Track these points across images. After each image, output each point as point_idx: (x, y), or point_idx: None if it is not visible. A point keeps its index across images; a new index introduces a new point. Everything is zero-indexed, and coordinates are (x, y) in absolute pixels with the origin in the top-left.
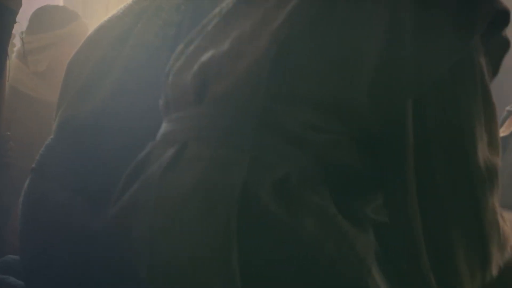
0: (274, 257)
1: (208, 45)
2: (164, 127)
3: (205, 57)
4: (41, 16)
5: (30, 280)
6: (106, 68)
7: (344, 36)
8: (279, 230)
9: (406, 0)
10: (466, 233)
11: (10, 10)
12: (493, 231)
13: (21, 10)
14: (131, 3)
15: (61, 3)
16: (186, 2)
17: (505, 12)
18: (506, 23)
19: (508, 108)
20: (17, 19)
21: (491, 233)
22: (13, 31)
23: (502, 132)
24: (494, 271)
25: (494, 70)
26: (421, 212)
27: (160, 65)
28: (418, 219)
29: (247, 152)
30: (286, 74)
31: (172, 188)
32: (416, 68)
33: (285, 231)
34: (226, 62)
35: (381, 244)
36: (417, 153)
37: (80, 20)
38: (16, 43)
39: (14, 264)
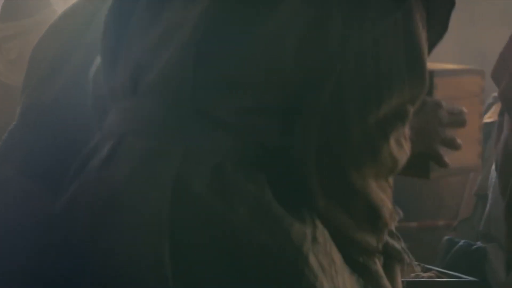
0: (208, 247)
1: (139, 34)
2: (106, 118)
3: (137, 47)
4: (13, 4)
5: None
6: (67, 56)
7: (269, 14)
8: (213, 220)
9: None
10: (380, 169)
11: None
12: (401, 157)
13: None
14: None
15: None
16: None
17: None
18: None
19: (494, 94)
20: None
21: (400, 160)
22: None
23: (488, 118)
24: None
25: (442, 27)
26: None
27: None
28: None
29: (179, 142)
30: (213, 59)
31: (107, 183)
32: (342, 40)
33: (219, 221)
34: (154, 51)
35: None
36: (333, 116)
37: (51, 8)
38: None
39: None
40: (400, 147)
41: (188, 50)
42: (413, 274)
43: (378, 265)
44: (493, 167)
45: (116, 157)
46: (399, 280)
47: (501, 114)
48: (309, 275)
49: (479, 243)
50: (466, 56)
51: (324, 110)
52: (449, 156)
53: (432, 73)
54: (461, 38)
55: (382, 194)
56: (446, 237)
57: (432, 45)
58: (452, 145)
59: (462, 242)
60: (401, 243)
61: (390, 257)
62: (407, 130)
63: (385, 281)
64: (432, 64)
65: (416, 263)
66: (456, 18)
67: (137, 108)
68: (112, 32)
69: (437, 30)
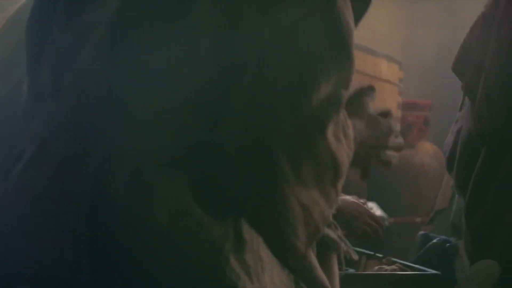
0: (127, 251)
1: (58, 37)
2: (32, 122)
3: (56, 50)
4: None
5: None
6: (19, 53)
7: (181, 14)
8: (132, 223)
9: None
10: (319, 169)
11: None
12: (343, 155)
13: None
14: None
15: None
16: None
17: None
18: None
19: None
20: None
21: (341, 159)
22: None
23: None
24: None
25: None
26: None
27: None
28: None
29: (98, 144)
30: (127, 59)
31: (28, 187)
32: (256, 31)
33: (138, 224)
34: (72, 53)
35: None
36: (256, 106)
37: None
38: None
39: None
40: (339, 142)
41: (102, 51)
42: (376, 267)
43: (311, 257)
44: None
45: (37, 162)
46: (336, 269)
47: (460, 108)
48: (230, 275)
49: (453, 239)
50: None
51: (251, 104)
52: None
53: None
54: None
55: (322, 202)
56: (421, 232)
57: (358, 17)
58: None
59: (437, 238)
60: (338, 231)
61: (326, 247)
62: (349, 128)
63: (319, 272)
64: None
65: (381, 255)
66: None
67: (57, 112)
68: (34, 36)
69: (362, 2)
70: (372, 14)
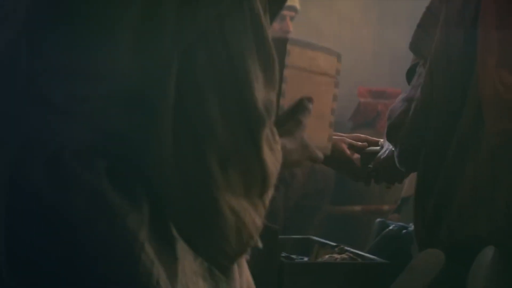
0: (45, 239)
1: None
2: None
3: None
4: None
5: None
6: None
7: (102, 6)
8: (49, 211)
9: None
10: (249, 180)
11: None
12: (273, 168)
13: None
14: None
15: None
16: None
17: None
18: None
19: None
20: None
21: (271, 172)
22: None
23: None
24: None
25: (277, 8)
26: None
27: None
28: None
29: (17, 131)
30: (47, 46)
31: None
32: (178, 23)
33: (55, 211)
34: None
35: None
36: (187, 106)
37: None
38: None
39: None
40: (272, 153)
41: (20, 36)
42: (327, 256)
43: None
44: None
45: None
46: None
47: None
48: (146, 261)
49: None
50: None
51: (182, 106)
52: None
53: (285, 39)
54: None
55: (252, 212)
56: (378, 220)
57: (273, 16)
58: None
59: (393, 225)
60: None
61: None
62: (277, 143)
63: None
64: None
65: (334, 244)
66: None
67: None
68: None
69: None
70: (344, 4)
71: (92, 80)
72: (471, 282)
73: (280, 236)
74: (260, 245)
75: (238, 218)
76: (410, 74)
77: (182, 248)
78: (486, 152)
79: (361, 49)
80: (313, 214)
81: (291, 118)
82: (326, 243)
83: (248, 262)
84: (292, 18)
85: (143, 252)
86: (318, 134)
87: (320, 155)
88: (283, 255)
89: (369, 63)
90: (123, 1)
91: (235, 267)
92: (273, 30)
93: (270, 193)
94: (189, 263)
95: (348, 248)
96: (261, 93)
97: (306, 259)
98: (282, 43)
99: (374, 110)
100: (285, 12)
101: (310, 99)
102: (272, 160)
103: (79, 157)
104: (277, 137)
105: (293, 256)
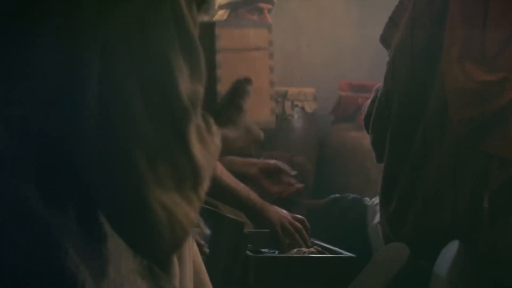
0: None
1: None
2: None
3: None
4: None
5: None
6: None
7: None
8: None
9: None
10: (178, 174)
11: None
12: (204, 161)
13: None
14: None
15: None
16: None
17: None
18: None
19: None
20: None
21: (202, 165)
22: None
23: None
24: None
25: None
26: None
27: None
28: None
29: None
30: None
31: None
32: (97, 18)
33: None
34: None
35: None
36: (111, 103)
37: None
38: None
39: None
40: (204, 146)
41: None
42: (295, 250)
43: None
44: None
45: None
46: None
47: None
48: (70, 267)
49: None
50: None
51: (105, 102)
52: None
53: (213, 23)
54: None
55: (186, 207)
56: (329, 197)
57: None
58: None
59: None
60: None
61: None
62: (214, 136)
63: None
64: None
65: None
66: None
67: None
68: None
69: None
70: None
71: (14, 82)
72: (435, 276)
73: (252, 230)
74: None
75: (170, 213)
76: None
77: (118, 247)
78: (450, 143)
79: (342, 42)
80: (291, 207)
81: (230, 103)
82: None
83: (215, 256)
84: (269, 11)
85: (67, 258)
86: (259, 109)
87: (262, 135)
88: (251, 248)
89: (350, 57)
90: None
91: (175, 262)
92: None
93: (205, 185)
94: (126, 262)
95: (318, 242)
96: (186, 86)
97: (277, 252)
98: (210, 28)
99: (355, 104)
100: (262, 5)
101: (248, 80)
102: (204, 153)
103: (3, 162)
104: (213, 129)
105: (264, 250)
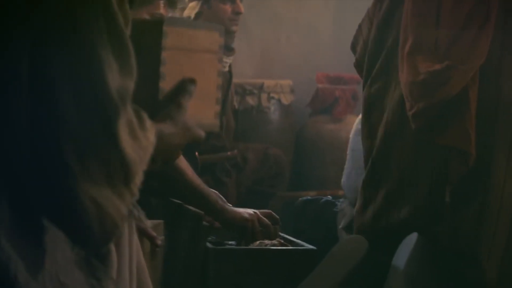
0: None
1: None
2: None
3: None
4: None
5: None
6: None
7: None
8: None
9: None
10: (108, 169)
11: None
12: (135, 156)
13: None
14: None
15: None
16: None
17: None
18: None
19: None
20: None
21: (133, 160)
22: None
23: None
24: (139, 178)
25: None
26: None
27: None
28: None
29: None
30: None
31: None
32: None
33: None
34: None
35: None
36: (40, 99)
37: None
38: None
39: None
40: (136, 141)
41: None
42: (257, 242)
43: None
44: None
45: None
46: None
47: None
48: (1, 257)
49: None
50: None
51: (32, 94)
52: (188, 116)
53: (161, 20)
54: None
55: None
56: (301, 199)
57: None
58: None
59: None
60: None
61: None
62: (147, 131)
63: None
64: None
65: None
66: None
67: None
68: None
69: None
70: None
71: None
72: (393, 269)
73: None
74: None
75: (100, 207)
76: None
77: (55, 238)
78: (409, 137)
79: (320, 34)
80: (267, 199)
81: (172, 101)
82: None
83: (175, 247)
84: (242, 0)
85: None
86: (204, 111)
87: (203, 134)
88: (214, 240)
89: (328, 49)
90: None
91: (113, 253)
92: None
93: (138, 180)
94: (63, 253)
95: (282, 234)
96: (115, 81)
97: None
98: (157, 25)
99: (332, 96)
100: None
101: (192, 81)
102: (135, 148)
103: None
104: (147, 124)
105: (231, 242)
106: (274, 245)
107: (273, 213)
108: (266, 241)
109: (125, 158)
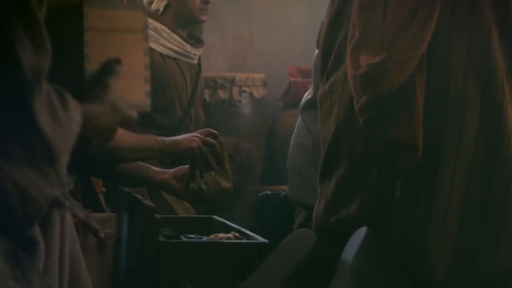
0: None
1: None
2: None
3: None
4: None
5: None
6: None
7: None
8: None
9: None
10: (29, 150)
11: None
12: (55, 136)
13: None
14: None
15: None
16: None
17: None
18: None
19: None
20: None
21: (53, 140)
22: None
23: None
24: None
25: None
26: None
27: None
28: None
29: None
30: None
31: None
32: None
33: None
34: None
35: None
36: None
37: None
38: None
39: None
40: (56, 121)
41: None
42: (212, 236)
43: (35, 231)
44: None
45: None
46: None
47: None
48: None
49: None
50: None
51: None
52: (118, 96)
53: (80, 2)
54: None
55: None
56: (260, 194)
57: None
58: None
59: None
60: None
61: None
62: (70, 111)
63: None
64: None
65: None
66: None
67: None
68: None
69: None
70: None
71: None
72: (342, 263)
73: (180, 216)
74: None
75: (22, 189)
76: None
77: None
78: (358, 131)
79: (293, 28)
80: (238, 193)
81: (98, 82)
82: (225, 223)
83: (130, 240)
84: None
85: None
86: (133, 91)
87: (135, 114)
88: (169, 233)
89: (301, 43)
90: None
91: (41, 244)
92: None
93: (63, 161)
94: None
95: (237, 227)
96: (28, 61)
97: (204, 238)
98: (77, 7)
99: (305, 90)
100: None
101: (117, 60)
102: (55, 128)
103: None
104: (71, 104)
105: (192, 236)
106: (228, 238)
107: (210, 129)
108: (221, 235)
109: (45, 139)
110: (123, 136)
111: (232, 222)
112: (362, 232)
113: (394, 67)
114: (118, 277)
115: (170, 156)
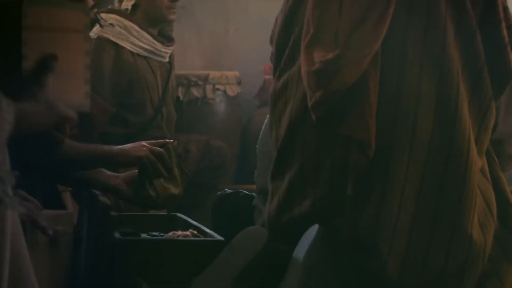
0: None
1: None
2: None
3: None
4: None
5: None
6: None
7: None
8: None
9: None
10: None
11: None
12: None
13: None
14: None
15: None
16: None
17: None
18: None
19: None
20: None
21: None
22: None
23: None
24: None
25: None
26: None
27: None
28: None
29: None
30: None
31: None
32: None
33: None
34: None
35: None
36: None
37: None
38: None
39: None
40: None
41: None
42: (171, 233)
43: None
44: None
45: None
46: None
47: None
48: None
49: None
50: None
51: None
52: (56, 96)
53: (19, 0)
54: None
55: None
56: (219, 193)
57: None
58: None
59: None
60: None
61: None
62: (3, 100)
63: None
64: None
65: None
66: None
67: None
68: None
69: None
70: None
71: None
72: (293, 261)
73: (144, 213)
74: None
75: None
76: None
77: None
78: (311, 128)
79: (269, 26)
80: (209, 191)
81: (33, 81)
82: (187, 221)
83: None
84: None
85: None
86: (73, 91)
87: (73, 114)
88: (128, 231)
89: None
90: None
91: None
92: None
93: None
94: None
95: (196, 224)
96: None
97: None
98: (16, 5)
99: None
100: None
101: (53, 57)
102: None
103: None
104: (3, 103)
105: (155, 233)
106: (186, 236)
107: (167, 142)
108: (179, 232)
109: None
110: (71, 146)
111: (203, 220)
112: (313, 230)
113: (348, 64)
114: (76, 275)
115: (118, 165)
